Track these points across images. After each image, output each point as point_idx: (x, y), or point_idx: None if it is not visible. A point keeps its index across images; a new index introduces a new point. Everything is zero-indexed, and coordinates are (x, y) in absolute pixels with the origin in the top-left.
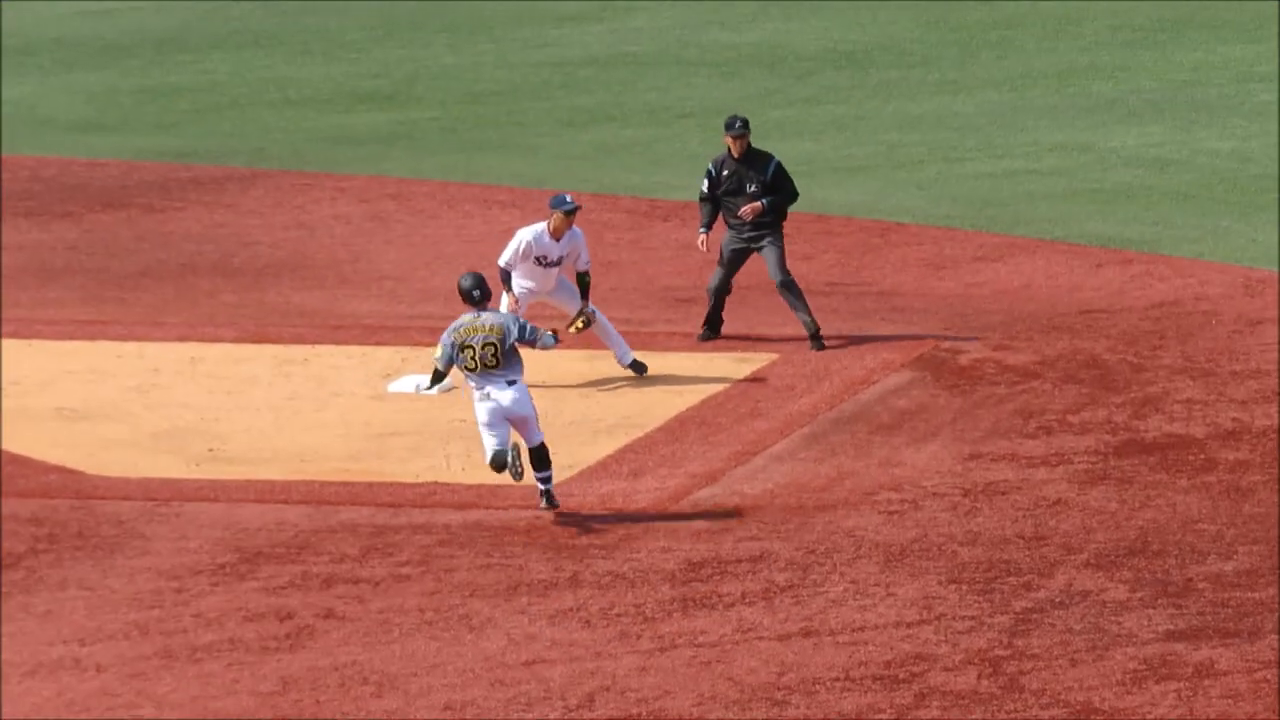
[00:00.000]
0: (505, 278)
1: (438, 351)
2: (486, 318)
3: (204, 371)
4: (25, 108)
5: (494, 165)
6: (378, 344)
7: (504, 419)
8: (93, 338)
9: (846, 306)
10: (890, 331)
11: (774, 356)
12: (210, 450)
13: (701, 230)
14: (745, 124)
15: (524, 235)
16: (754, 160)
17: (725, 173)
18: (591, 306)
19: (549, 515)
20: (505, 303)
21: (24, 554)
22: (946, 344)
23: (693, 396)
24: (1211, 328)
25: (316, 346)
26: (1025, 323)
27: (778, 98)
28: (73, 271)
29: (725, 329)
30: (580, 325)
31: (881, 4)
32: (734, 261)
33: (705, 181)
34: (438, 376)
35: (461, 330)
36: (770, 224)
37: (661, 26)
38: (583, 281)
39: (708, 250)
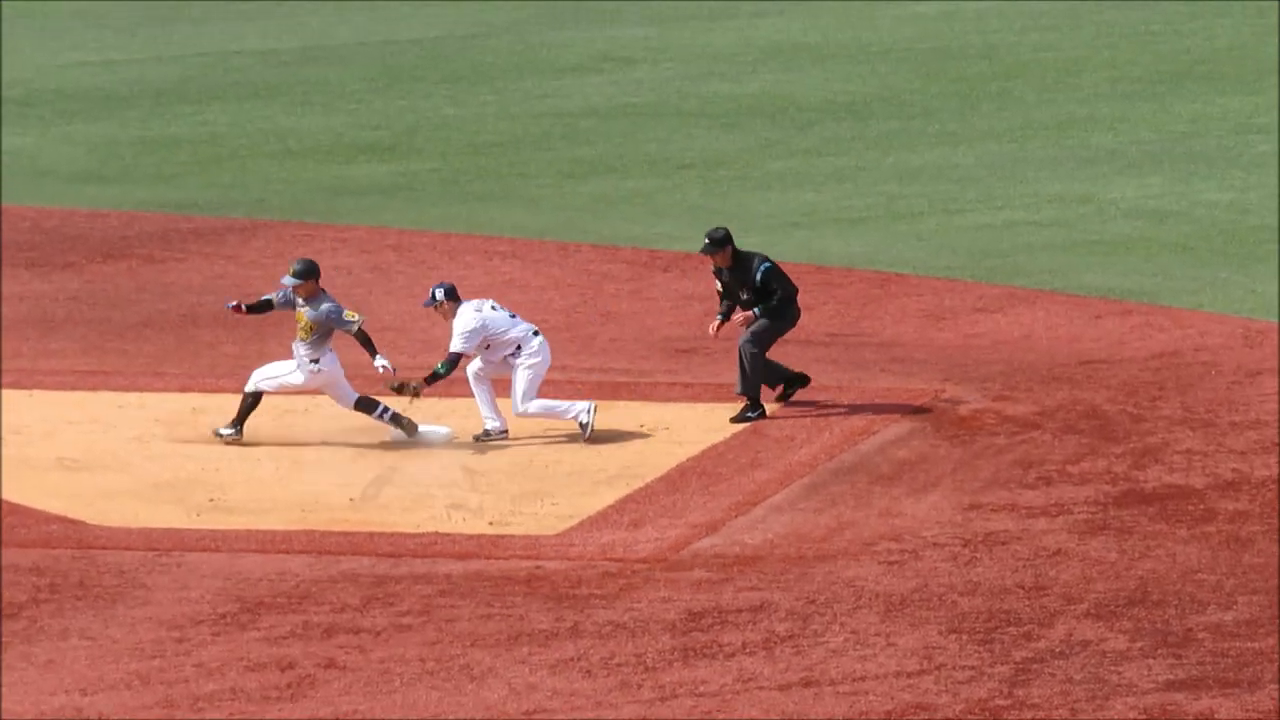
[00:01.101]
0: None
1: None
2: None
3: (206, 422)
4: (26, 158)
5: (495, 216)
6: (380, 395)
7: None
8: (94, 388)
9: (846, 357)
10: (890, 382)
11: (773, 407)
12: (211, 500)
13: (718, 318)
14: (713, 241)
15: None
16: (743, 266)
17: (723, 279)
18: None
19: (551, 566)
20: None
21: (25, 603)
22: (946, 395)
23: (693, 447)
24: (1211, 378)
25: (318, 397)
26: (1025, 373)
27: (778, 149)
28: (74, 322)
29: (723, 380)
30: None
31: (882, 56)
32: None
33: (718, 284)
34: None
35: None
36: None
37: (662, 78)
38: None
39: (716, 337)
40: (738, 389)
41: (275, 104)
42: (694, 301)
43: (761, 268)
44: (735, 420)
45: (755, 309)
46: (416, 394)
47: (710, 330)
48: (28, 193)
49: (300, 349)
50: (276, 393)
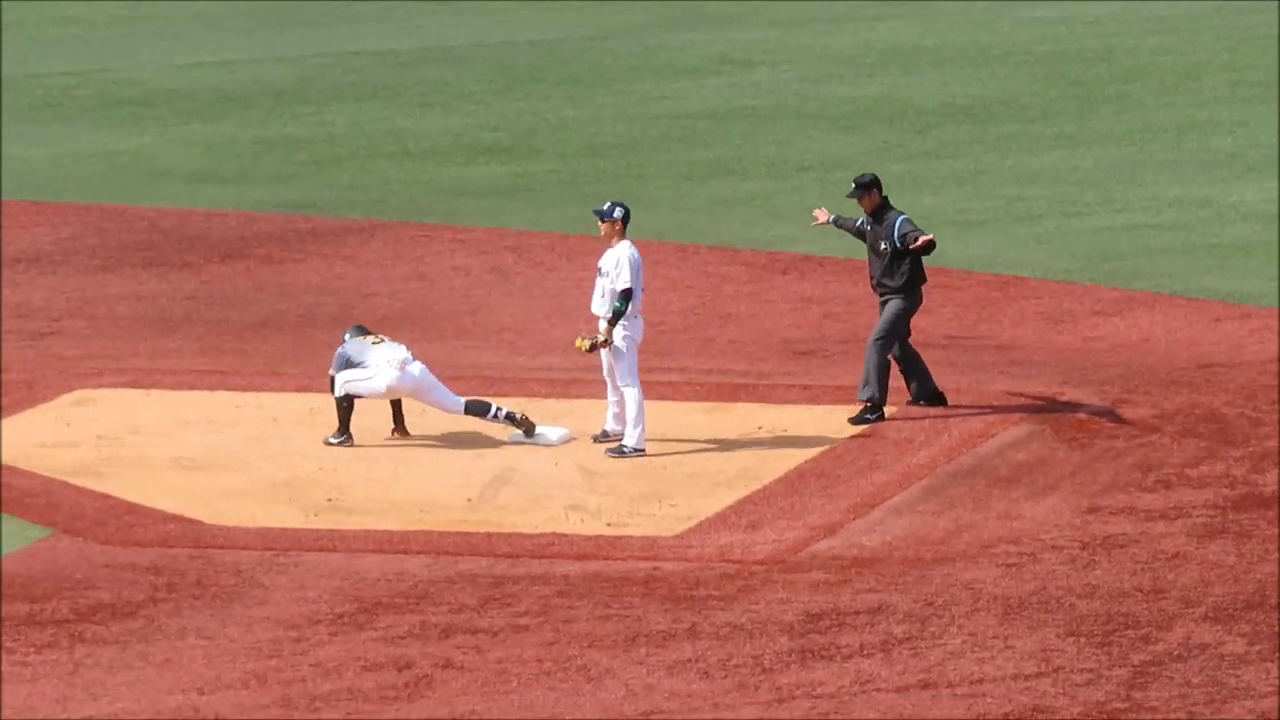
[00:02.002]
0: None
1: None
2: None
3: (323, 422)
4: (144, 159)
5: None
6: (497, 395)
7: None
8: (211, 388)
9: (965, 360)
10: (1009, 385)
11: (892, 409)
12: (329, 500)
13: (832, 217)
14: (860, 184)
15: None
16: (884, 218)
17: (868, 229)
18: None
19: (669, 567)
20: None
21: (143, 603)
22: (1065, 398)
23: (811, 449)
24: None
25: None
26: (1144, 377)
27: (897, 152)
28: (191, 322)
29: (842, 382)
30: (581, 343)
31: (1000, 59)
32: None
33: (860, 220)
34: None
35: None
36: (899, 288)
37: (781, 80)
38: (614, 307)
39: (816, 220)
40: (861, 393)
41: (394, 105)
42: (812, 304)
43: (899, 219)
44: (854, 422)
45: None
46: (605, 343)
47: (819, 213)
48: (145, 193)
49: (389, 351)
50: (366, 396)
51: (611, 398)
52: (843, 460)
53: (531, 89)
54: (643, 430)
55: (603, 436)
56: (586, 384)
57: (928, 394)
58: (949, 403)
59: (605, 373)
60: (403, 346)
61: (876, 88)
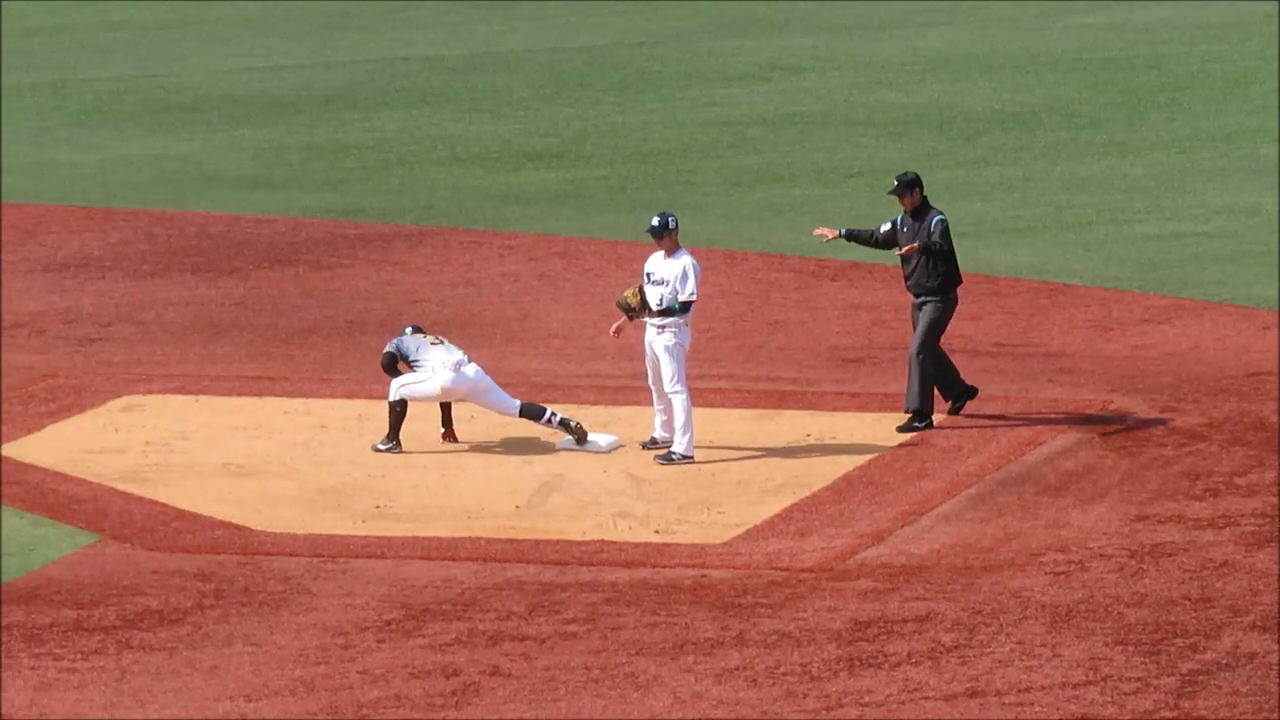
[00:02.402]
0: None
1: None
2: None
3: (372, 429)
4: (193, 164)
5: None
6: (546, 402)
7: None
8: (260, 394)
9: (1014, 367)
10: (1057, 393)
11: (940, 417)
12: (377, 507)
13: (842, 231)
14: (903, 182)
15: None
16: (922, 218)
17: (904, 230)
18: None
19: (717, 575)
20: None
21: (190, 609)
22: (1113, 406)
23: (860, 457)
24: None
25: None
26: (1192, 385)
27: (946, 159)
28: (240, 328)
29: (890, 389)
30: (625, 302)
31: (1049, 66)
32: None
33: (886, 225)
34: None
35: None
36: (934, 289)
37: (830, 87)
38: (673, 308)
39: (823, 239)
40: (907, 405)
41: (443, 110)
42: (862, 311)
43: (936, 219)
44: (902, 430)
45: (918, 244)
46: (640, 310)
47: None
48: (194, 198)
49: (445, 353)
50: (420, 400)
51: (658, 405)
52: (891, 468)
53: (581, 95)
54: (691, 437)
55: (651, 444)
56: (635, 391)
57: (957, 392)
58: (997, 413)
59: (650, 380)
60: (459, 350)
61: (925, 94)
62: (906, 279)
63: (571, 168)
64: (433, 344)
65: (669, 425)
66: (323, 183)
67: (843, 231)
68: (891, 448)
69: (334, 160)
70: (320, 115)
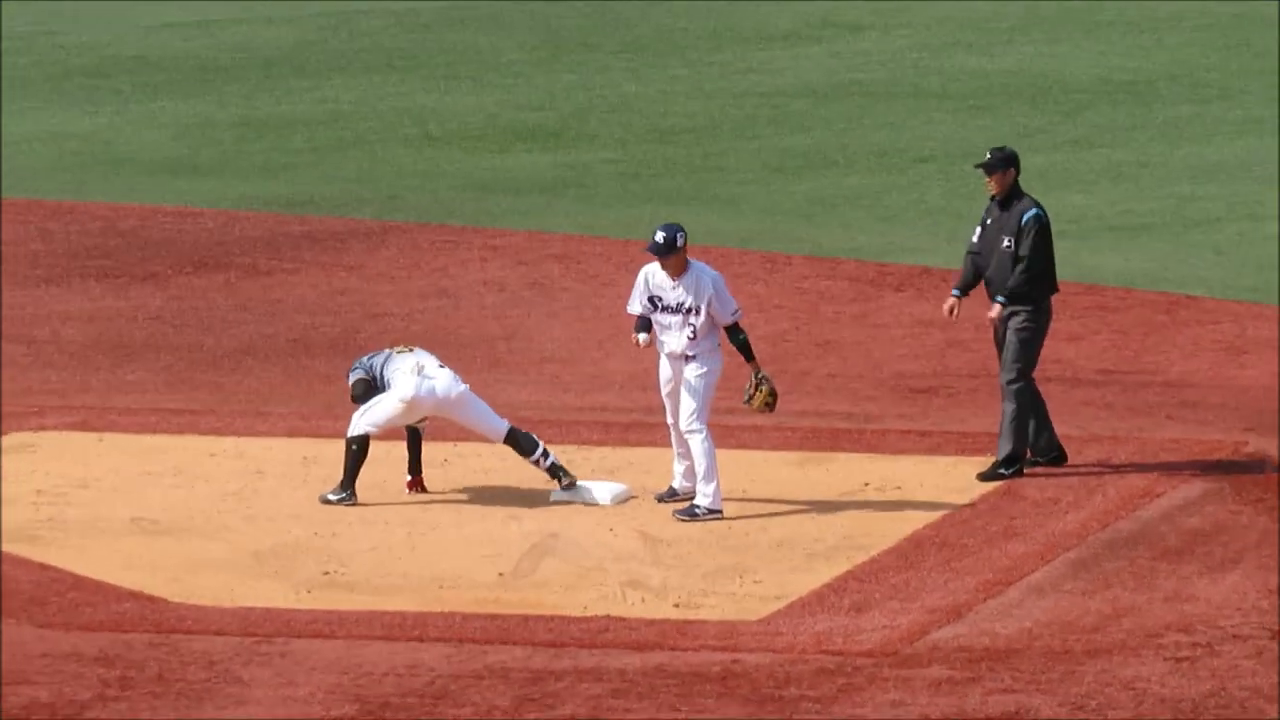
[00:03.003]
0: (638, 324)
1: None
2: None
3: (319, 475)
4: (99, 143)
5: (685, 220)
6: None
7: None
8: (180, 431)
9: (1123, 400)
10: (1179, 432)
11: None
12: (326, 574)
13: (953, 293)
14: (998, 157)
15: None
16: (1013, 208)
17: (989, 222)
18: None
19: (752, 660)
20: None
21: (90, 701)
22: (1249, 448)
23: (931, 512)
24: None
25: (459, 445)
26: None
27: (1040, 139)
28: (157, 348)
29: (970, 426)
30: (762, 399)
31: (1170, 24)
32: (1000, 342)
33: (977, 230)
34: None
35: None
36: (1025, 295)
37: (895, 49)
38: (737, 340)
39: (953, 318)
40: (1001, 452)
41: (413, 78)
42: (933, 328)
43: (1028, 214)
44: (984, 478)
45: (1001, 298)
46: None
47: (945, 309)
48: (101, 186)
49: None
50: (384, 425)
51: (678, 449)
52: (970, 526)
53: (585, 58)
54: (718, 487)
55: (669, 495)
56: (650, 428)
57: (1044, 445)
58: (1103, 457)
59: (669, 415)
60: (431, 355)
61: (1014, 59)
62: (989, 283)
63: (572, 149)
64: (399, 353)
65: (692, 473)
66: (261, 167)
67: (955, 293)
68: (970, 501)
69: (276, 140)
70: (259, 83)
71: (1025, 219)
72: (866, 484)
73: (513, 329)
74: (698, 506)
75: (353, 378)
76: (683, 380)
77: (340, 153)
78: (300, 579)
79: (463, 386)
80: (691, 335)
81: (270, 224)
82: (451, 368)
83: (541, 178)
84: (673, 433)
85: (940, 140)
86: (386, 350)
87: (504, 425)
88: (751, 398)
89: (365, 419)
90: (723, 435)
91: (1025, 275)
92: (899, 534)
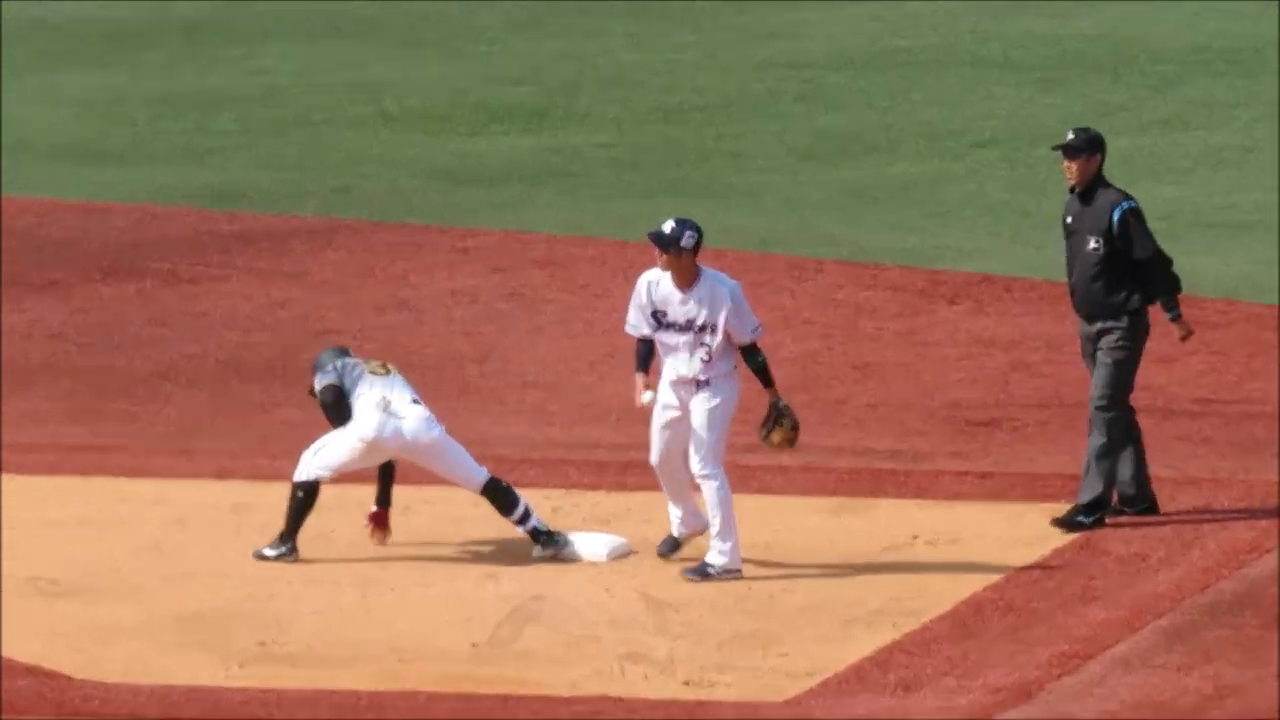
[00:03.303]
0: (640, 352)
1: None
2: None
3: (254, 525)
4: None
5: (696, 217)
6: (516, 484)
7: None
8: (86, 472)
9: (1225, 434)
10: None
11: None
12: (262, 644)
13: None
14: (1082, 140)
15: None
16: (1097, 200)
17: (1068, 220)
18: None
19: None
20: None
21: None
22: None
23: (993, 572)
24: None
25: (424, 488)
26: None
27: (1123, 118)
28: (58, 371)
29: (1039, 467)
30: (783, 434)
31: None
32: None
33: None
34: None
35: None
36: (1118, 308)
37: (950, 10)
38: (755, 362)
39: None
40: (1083, 495)
41: (367, 46)
42: (995, 348)
43: (1120, 208)
44: (1061, 525)
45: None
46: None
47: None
48: None
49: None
50: (342, 471)
51: (672, 494)
52: (1041, 587)
53: (573, 22)
54: (736, 542)
55: (670, 548)
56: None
57: (1134, 493)
58: (1201, 504)
59: (657, 457)
60: (408, 386)
61: (1092, 22)
62: (1073, 292)
63: (559, 131)
64: (373, 373)
65: (692, 520)
66: (184, 152)
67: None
68: (1041, 557)
69: (200, 119)
70: (181, 51)
71: (1118, 215)
72: (915, 536)
73: (486, 349)
74: (711, 565)
75: (320, 381)
76: (691, 412)
77: (278, 135)
78: (231, 650)
79: (436, 431)
80: (706, 358)
81: (194, 221)
82: (428, 403)
83: (522, 165)
84: (661, 476)
85: (1003, 120)
86: (359, 363)
87: (482, 475)
88: (770, 432)
89: (317, 461)
90: (741, 478)
91: (1163, 275)
92: (955, 596)
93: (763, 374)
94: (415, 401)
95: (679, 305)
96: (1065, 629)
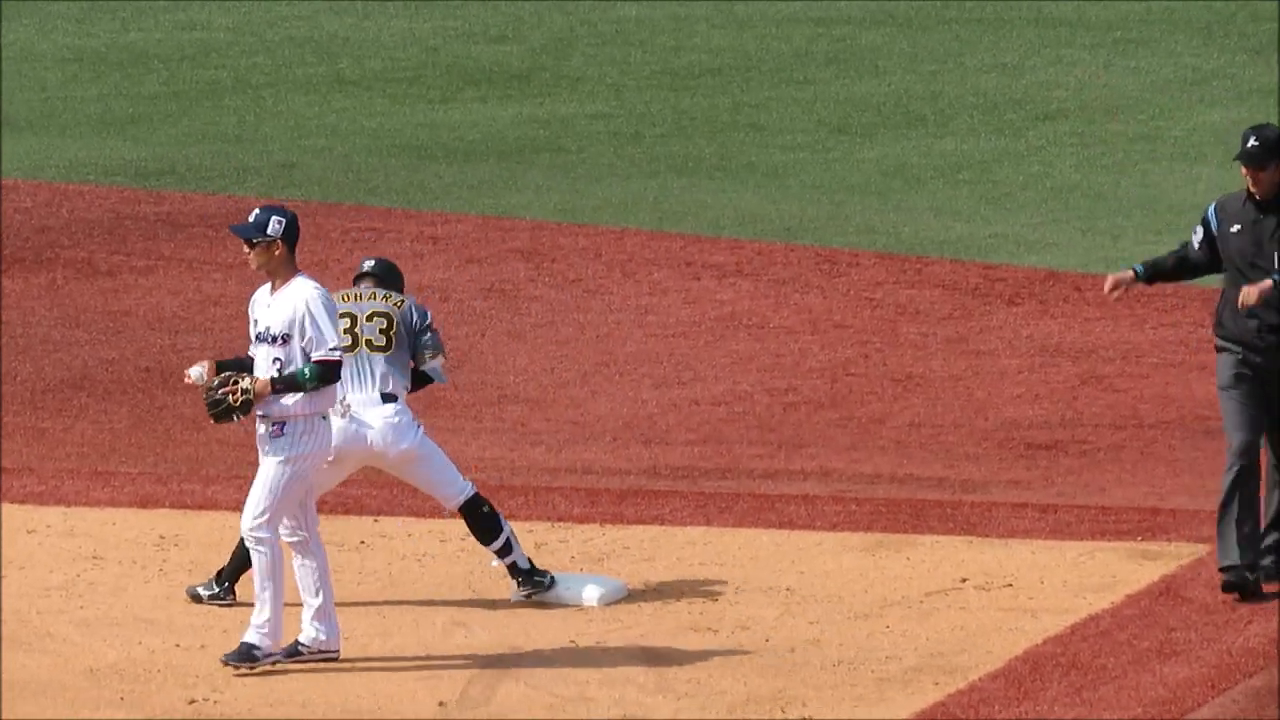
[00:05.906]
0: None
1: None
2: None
3: (182, 561)
4: None
5: (706, 200)
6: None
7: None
8: None
9: None
10: None
11: (1203, 549)
12: (192, 702)
13: (1134, 268)
14: (1268, 145)
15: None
16: (1273, 209)
17: (1234, 229)
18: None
19: None
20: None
21: None
22: None
23: (1055, 619)
24: None
25: (382, 519)
26: None
27: (1217, 87)
28: None
29: (1113, 499)
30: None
31: None
32: (1241, 392)
33: (1198, 231)
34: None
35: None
36: None
37: None
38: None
39: (1112, 296)
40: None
41: None
42: (1062, 357)
43: None
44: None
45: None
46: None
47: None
48: None
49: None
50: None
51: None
52: (1111, 640)
53: None
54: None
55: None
56: (653, 498)
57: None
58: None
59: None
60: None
61: None
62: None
63: (547, 99)
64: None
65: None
66: (100, 122)
67: (1137, 270)
68: (1113, 604)
69: (121, 82)
70: (98, 4)
71: None
72: (964, 580)
73: (460, 354)
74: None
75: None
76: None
77: (213, 100)
78: (156, 708)
79: (416, 436)
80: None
81: (113, 202)
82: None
83: (502, 139)
84: None
85: (1074, 88)
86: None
87: (465, 489)
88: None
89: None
90: (759, 509)
91: None
92: (1009, 651)
93: (288, 385)
94: (384, 401)
95: (263, 304)
96: (1139, 690)
